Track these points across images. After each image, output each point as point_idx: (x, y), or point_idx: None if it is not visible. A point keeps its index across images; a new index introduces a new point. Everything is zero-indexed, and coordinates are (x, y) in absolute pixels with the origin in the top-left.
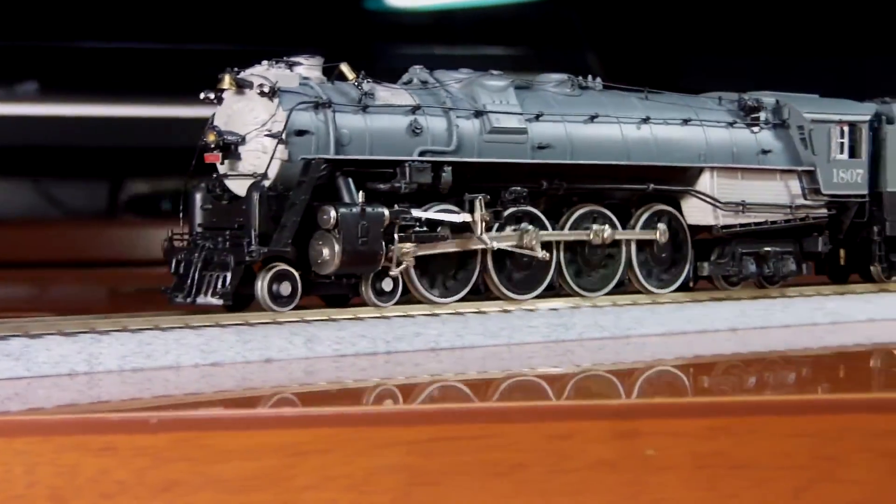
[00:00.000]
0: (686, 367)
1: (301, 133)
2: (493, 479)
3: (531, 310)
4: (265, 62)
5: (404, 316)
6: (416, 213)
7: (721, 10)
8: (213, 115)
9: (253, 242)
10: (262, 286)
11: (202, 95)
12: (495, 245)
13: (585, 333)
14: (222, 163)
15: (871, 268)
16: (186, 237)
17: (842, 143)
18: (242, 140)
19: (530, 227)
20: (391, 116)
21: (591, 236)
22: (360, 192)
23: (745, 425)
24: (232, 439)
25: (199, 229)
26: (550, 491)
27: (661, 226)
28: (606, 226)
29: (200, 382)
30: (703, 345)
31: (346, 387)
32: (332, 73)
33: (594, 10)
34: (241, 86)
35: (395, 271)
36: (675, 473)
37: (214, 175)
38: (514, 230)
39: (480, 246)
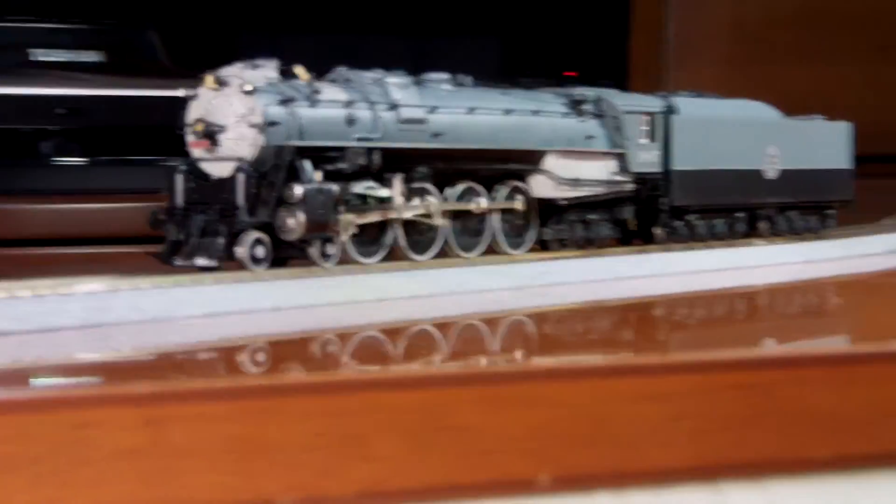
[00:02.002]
0: (226, 351)
1: (273, 124)
2: (4, 475)
3: (66, 294)
4: (237, 64)
5: None
6: (356, 189)
7: None
8: (188, 108)
9: (243, 214)
10: (245, 250)
11: (181, 93)
12: (409, 215)
13: (125, 317)
14: (207, 149)
15: (654, 231)
16: (173, 211)
17: (644, 130)
18: (222, 129)
19: (433, 199)
20: (333, 110)
21: (474, 207)
22: (319, 172)
23: (272, 407)
24: None
25: (182, 204)
26: (72, 483)
27: (520, 197)
28: (482, 198)
29: None
30: (248, 325)
31: None
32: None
33: None
34: (221, 84)
35: (343, 236)
36: (204, 458)
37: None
38: (421, 203)
39: (397, 216)
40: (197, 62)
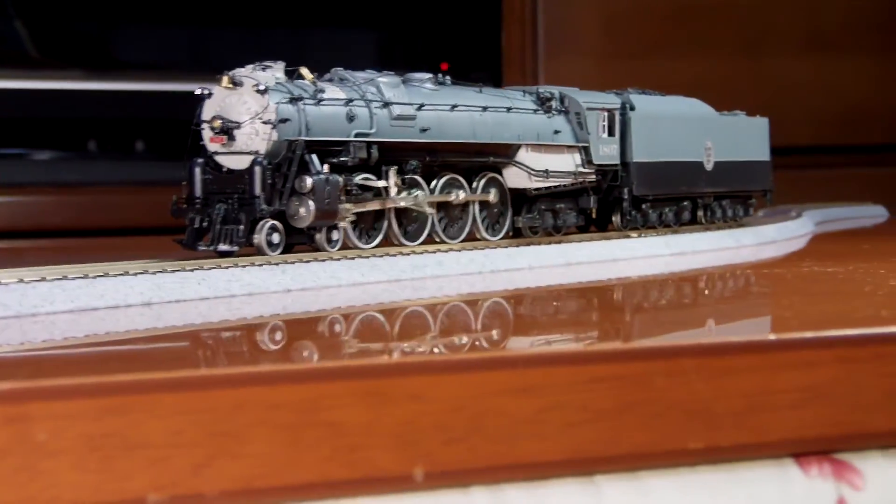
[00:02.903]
0: (95, 346)
1: (284, 120)
2: None
3: None
4: (249, 66)
5: None
6: (356, 180)
7: None
8: (203, 106)
9: (262, 203)
10: (262, 236)
11: (197, 91)
12: (402, 204)
13: None
14: (223, 144)
15: (613, 218)
16: (193, 201)
17: (604, 125)
18: (238, 125)
19: (421, 191)
20: (335, 107)
21: (453, 198)
22: (325, 165)
23: (137, 404)
24: None
25: (201, 195)
26: None
27: (493, 190)
28: (461, 191)
29: None
30: (115, 321)
31: None
32: (292, 74)
33: None
34: (235, 84)
35: (345, 223)
36: (68, 457)
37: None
38: (410, 193)
39: (393, 205)
40: (64, 54)
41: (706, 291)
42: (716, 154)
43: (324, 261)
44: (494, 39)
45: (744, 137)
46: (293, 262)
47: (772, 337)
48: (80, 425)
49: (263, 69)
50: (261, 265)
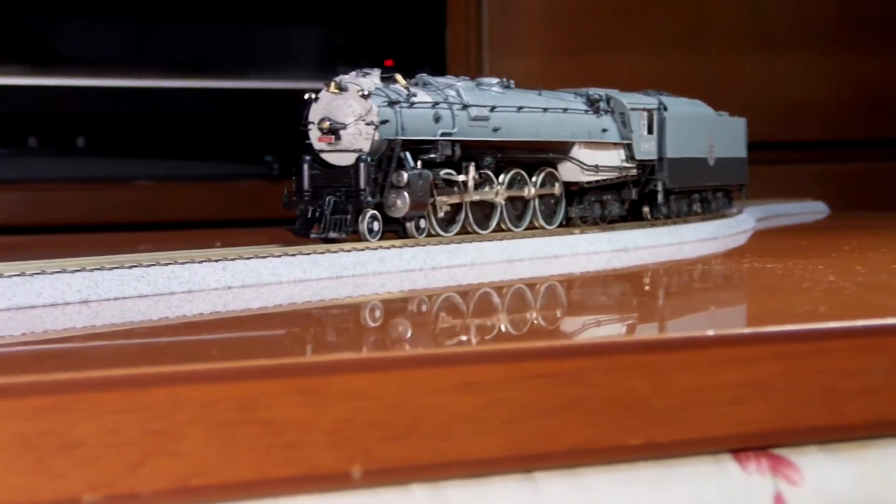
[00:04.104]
0: (31, 345)
1: (384, 122)
2: None
3: None
4: (352, 72)
5: None
6: (443, 174)
7: None
8: (309, 109)
9: (367, 196)
10: (364, 225)
11: (306, 96)
12: (477, 197)
13: None
14: (330, 143)
15: (644, 209)
16: (302, 194)
17: (644, 124)
18: (344, 126)
19: (498, 185)
20: (425, 110)
21: (525, 193)
22: (418, 161)
23: (73, 403)
24: None
25: (309, 188)
26: None
27: (557, 184)
28: (528, 186)
29: None
30: (53, 320)
31: None
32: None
33: None
34: (341, 89)
35: (440, 214)
36: (3, 457)
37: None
38: (487, 188)
39: (471, 198)
40: (4, 49)
41: (646, 288)
42: (716, 151)
43: (265, 257)
44: (439, 36)
45: (731, 136)
46: (233, 259)
47: (710, 333)
48: (14, 425)
49: (364, 76)
50: (200, 262)
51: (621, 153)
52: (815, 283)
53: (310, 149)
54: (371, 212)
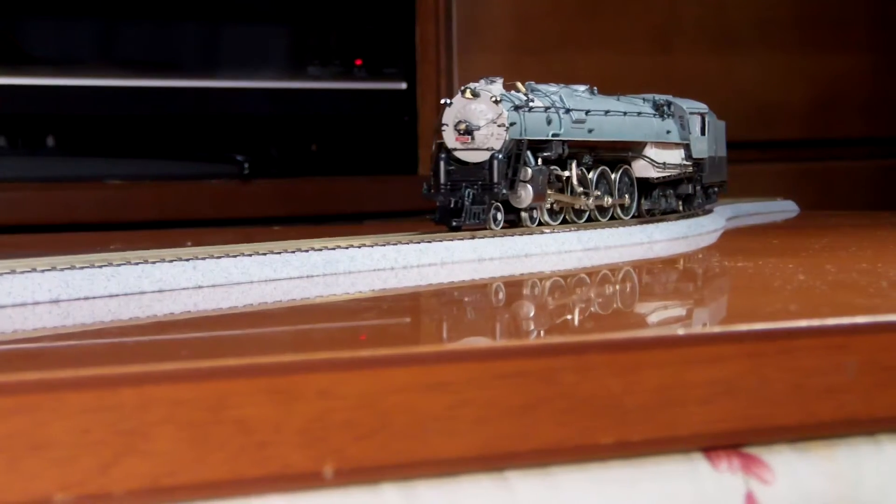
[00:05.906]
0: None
1: (512, 124)
2: None
3: None
4: (482, 80)
5: None
6: (555, 170)
7: None
8: (444, 112)
9: (501, 188)
10: (490, 215)
11: (442, 101)
12: (592, 204)
13: None
14: (465, 143)
15: (680, 203)
16: (439, 187)
17: (699, 127)
18: (478, 128)
19: (608, 196)
20: (540, 113)
21: (605, 202)
22: (538, 159)
23: (43, 403)
24: None
25: (445, 182)
26: None
27: (626, 196)
28: (609, 196)
29: None
30: (23, 319)
31: None
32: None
33: None
34: (475, 95)
35: (548, 206)
36: None
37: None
38: (599, 193)
39: (589, 206)
40: None
41: (617, 286)
42: (716, 150)
43: (235, 256)
44: (408, 35)
45: (721, 136)
46: (204, 258)
47: (681, 332)
48: None
49: (491, 83)
50: (171, 261)
51: (682, 152)
52: (786, 282)
53: (442, 147)
54: (496, 203)
